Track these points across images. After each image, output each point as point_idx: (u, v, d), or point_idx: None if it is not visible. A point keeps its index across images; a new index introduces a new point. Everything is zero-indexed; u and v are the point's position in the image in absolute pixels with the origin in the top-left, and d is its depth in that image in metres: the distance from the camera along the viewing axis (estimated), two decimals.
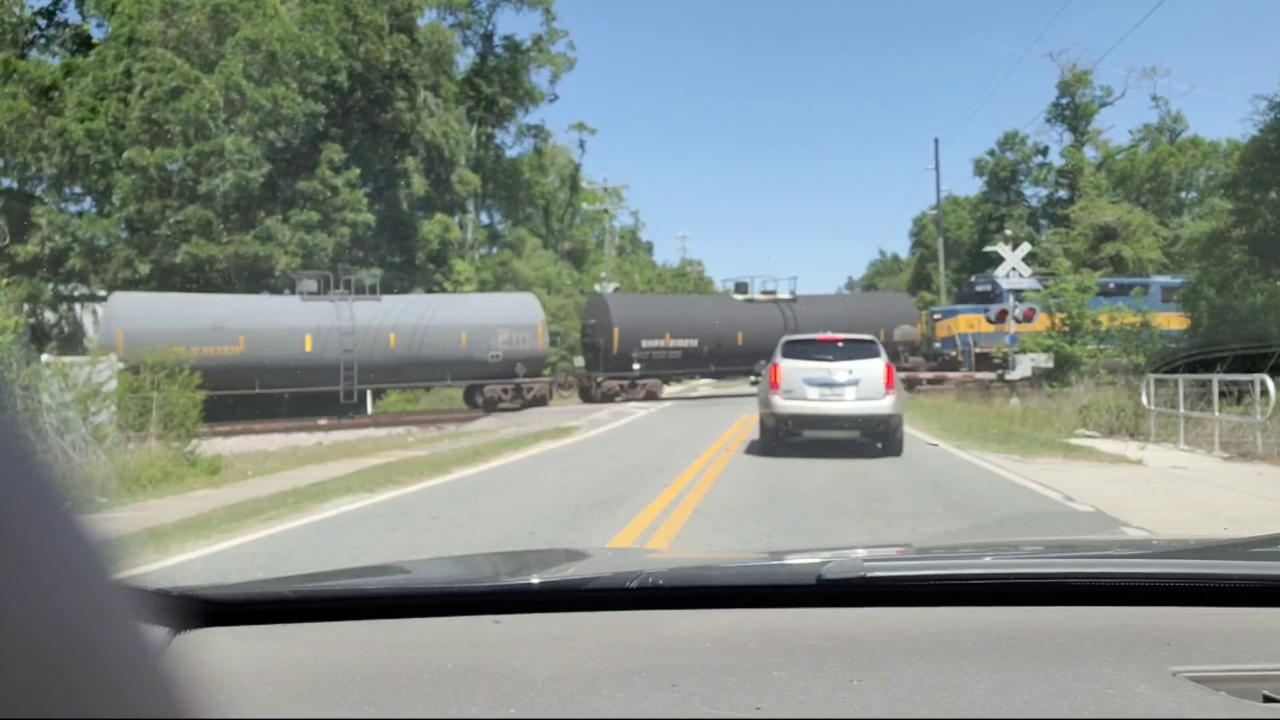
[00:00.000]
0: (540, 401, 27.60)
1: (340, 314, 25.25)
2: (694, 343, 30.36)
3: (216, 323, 23.87)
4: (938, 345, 32.07)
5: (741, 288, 32.67)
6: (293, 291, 25.70)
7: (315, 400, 25.93)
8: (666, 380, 31.16)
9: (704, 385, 38.86)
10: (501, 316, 27.43)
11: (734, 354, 30.79)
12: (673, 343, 29.77)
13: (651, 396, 29.32)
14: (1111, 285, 29.23)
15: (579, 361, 34.33)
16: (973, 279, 34.80)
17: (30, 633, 0.33)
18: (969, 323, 30.19)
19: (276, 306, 25.16)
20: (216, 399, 21.54)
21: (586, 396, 29.58)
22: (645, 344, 29.45)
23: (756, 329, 30.13)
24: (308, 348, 24.75)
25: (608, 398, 28.66)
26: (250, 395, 24.64)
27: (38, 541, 0.35)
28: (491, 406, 26.67)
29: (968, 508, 8.61)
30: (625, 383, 29.40)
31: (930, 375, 30.47)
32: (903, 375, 29.11)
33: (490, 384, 27.07)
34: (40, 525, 0.35)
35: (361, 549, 6.94)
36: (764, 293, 32.48)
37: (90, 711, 0.33)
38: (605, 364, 29.35)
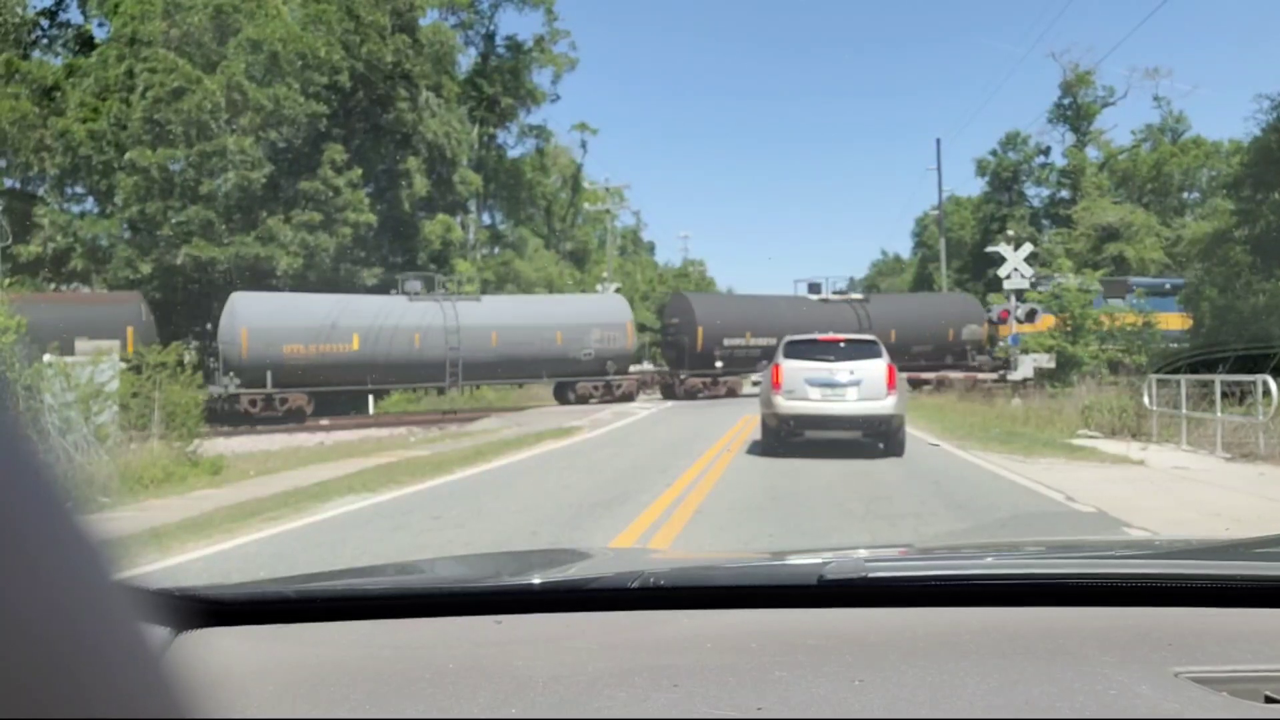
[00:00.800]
0: (628, 397, 28.78)
1: (446, 313, 26.63)
2: (773, 341, 31.17)
3: (332, 321, 25.22)
4: (1001, 344, 32.69)
5: (815, 288, 33.91)
6: (400, 291, 27.10)
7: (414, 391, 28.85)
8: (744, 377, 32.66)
9: None
10: (594, 316, 28.86)
11: None
12: (753, 341, 30.57)
13: (732, 393, 30.57)
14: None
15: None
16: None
17: (33, 632, 0.33)
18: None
19: (387, 306, 26.46)
20: (331, 394, 25.25)
21: (670, 394, 30.59)
22: (727, 342, 30.38)
23: (833, 328, 31.00)
24: (417, 345, 26.00)
25: (690, 394, 29.72)
26: (362, 390, 26.57)
27: (40, 541, 0.35)
28: (583, 402, 27.86)
29: (969, 508, 8.61)
30: (708, 380, 30.36)
31: (933, 376, 30.62)
32: (961, 376, 29.94)
33: (582, 381, 28.29)
34: (43, 525, 0.35)
35: (363, 549, 6.94)
36: (835, 293, 33.83)
37: (93, 711, 0.33)
38: (689, 362, 30.41)
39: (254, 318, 24.22)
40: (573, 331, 27.90)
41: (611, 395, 28.29)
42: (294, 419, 23.99)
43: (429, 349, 26.06)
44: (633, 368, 31.19)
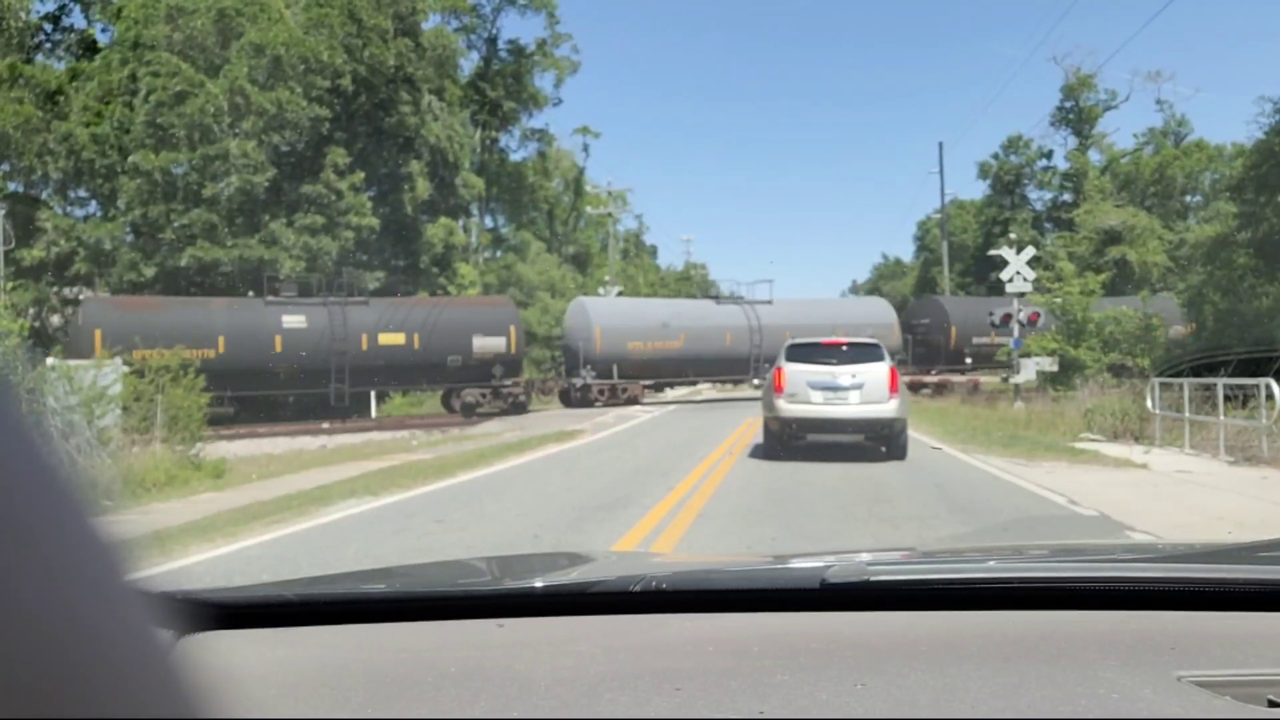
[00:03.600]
0: None
1: (748, 315, 31.60)
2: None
3: (663, 321, 30.06)
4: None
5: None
6: (707, 296, 32.01)
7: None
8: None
9: None
10: (867, 318, 32.32)
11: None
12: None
13: None
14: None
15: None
16: None
17: (44, 632, 0.33)
18: None
19: (704, 310, 32.03)
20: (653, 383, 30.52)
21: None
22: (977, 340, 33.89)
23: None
24: (727, 342, 30.66)
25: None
26: (680, 381, 31.40)
27: (51, 542, 0.35)
28: None
29: (972, 511, 8.60)
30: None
31: (935, 379, 30.74)
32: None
33: None
34: (53, 526, 0.35)
35: (366, 552, 6.94)
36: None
37: (100, 712, 0.33)
38: (943, 357, 33.13)
39: (604, 318, 29.46)
40: (851, 331, 30.74)
41: None
42: (630, 403, 28.91)
43: (736, 346, 30.65)
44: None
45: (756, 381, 28.93)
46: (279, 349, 24.63)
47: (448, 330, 26.31)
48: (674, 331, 29.77)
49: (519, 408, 27.36)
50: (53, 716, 0.32)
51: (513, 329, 27.47)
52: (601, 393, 28.88)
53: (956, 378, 32.06)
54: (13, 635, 0.32)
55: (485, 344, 26.74)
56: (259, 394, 25.13)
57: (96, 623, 0.35)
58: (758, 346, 30.44)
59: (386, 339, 25.76)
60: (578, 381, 28.96)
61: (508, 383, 27.42)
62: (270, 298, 25.43)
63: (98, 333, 22.33)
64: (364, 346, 25.48)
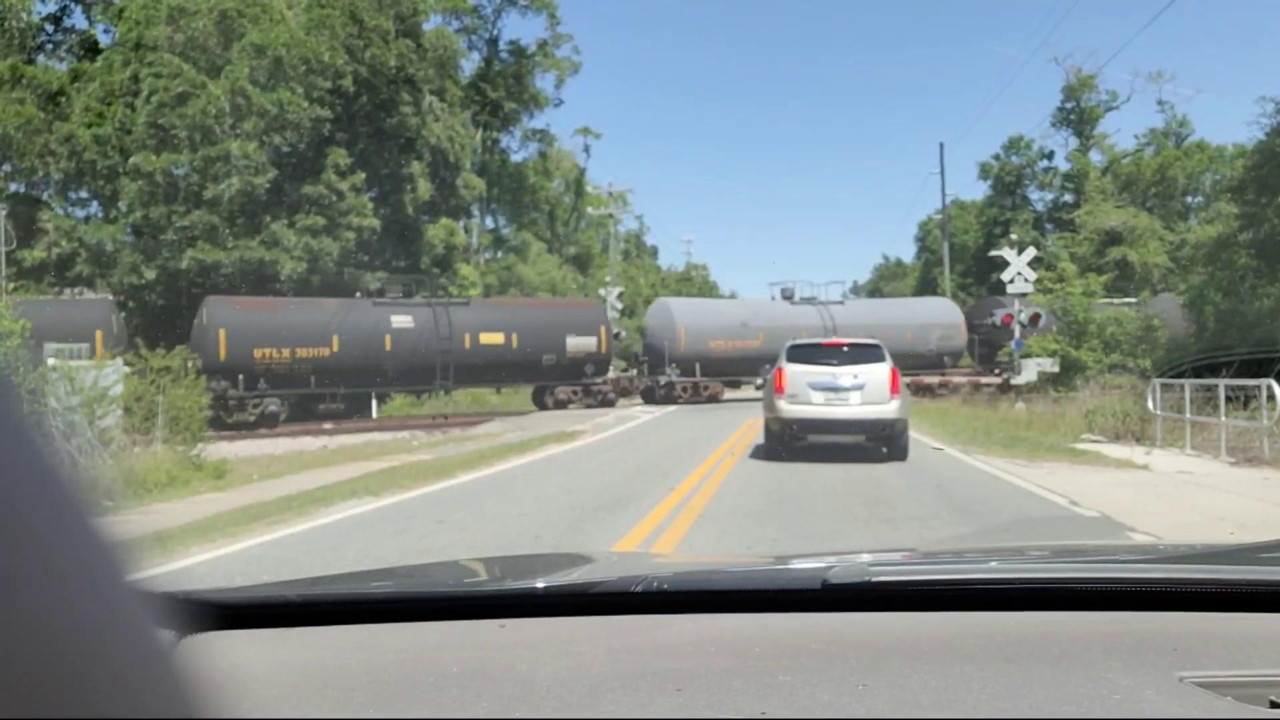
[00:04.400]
0: (955, 390, 31.46)
1: (821, 315, 32.17)
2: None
3: (742, 321, 30.83)
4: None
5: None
6: (785, 298, 33.08)
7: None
8: None
9: None
10: (935, 318, 33.98)
11: None
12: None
13: None
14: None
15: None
16: None
17: (43, 633, 0.33)
18: None
19: (780, 310, 32.48)
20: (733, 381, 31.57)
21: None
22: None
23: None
24: None
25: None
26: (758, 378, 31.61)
27: (52, 542, 0.35)
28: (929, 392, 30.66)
29: (973, 512, 8.60)
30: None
31: (937, 380, 30.78)
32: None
33: (926, 373, 31.78)
34: (55, 526, 0.35)
35: (366, 553, 6.94)
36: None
37: (101, 712, 0.33)
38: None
39: (687, 318, 30.36)
40: (920, 331, 32.60)
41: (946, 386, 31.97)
42: (711, 400, 29.96)
43: None
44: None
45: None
46: (389, 347, 25.81)
47: (543, 330, 27.93)
48: (753, 331, 30.65)
49: (608, 404, 28.76)
50: (54, 717, 0.32)
51: (603, 329, 29.19)
52: (685, 390, 29.80)
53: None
54: (14, 636, 0.32)
55: (577, 343, 28.42)
56: (369, 391, 26.64)
57: (98, 623, 0.35)
58: None
59: (487, 338, 27.24)
60: (662, 379, 29.84)
61: (598, 380, 28.99)
62: (377, 299, 26.79)
63: (222, 332, 23.60)
64: (467, 345, 26.80)
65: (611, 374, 31.13)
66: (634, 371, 34.04)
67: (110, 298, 27.15)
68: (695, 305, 33.04)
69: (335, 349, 24.83)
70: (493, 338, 27.22)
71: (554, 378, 28.29)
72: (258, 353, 23.87)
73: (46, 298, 25.94)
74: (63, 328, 22.13)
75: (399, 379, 26.43)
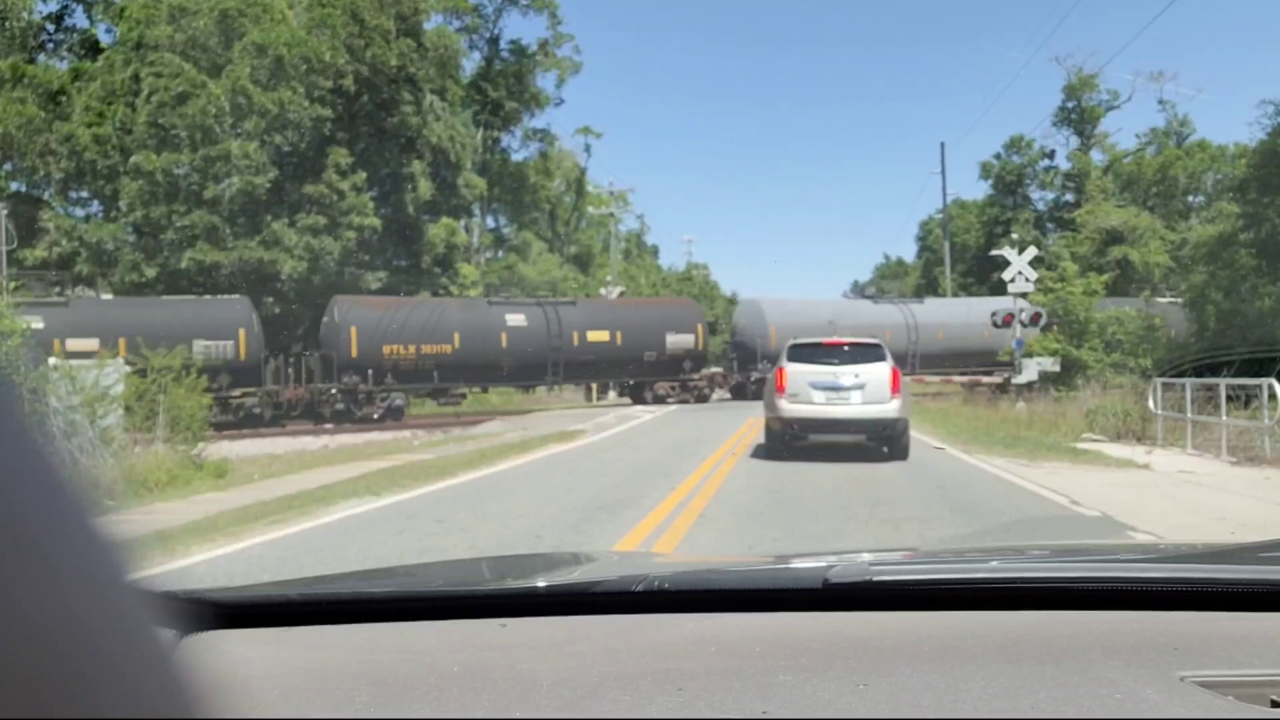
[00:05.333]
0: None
1: (904, 314, 33.17)
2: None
3: (829, 320, 30.72)
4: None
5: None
6: (866, 297, 33.75)
7: None
8: None
9: None
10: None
11: None
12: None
13: None
14: None
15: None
16: None
17: (44, 632, 0.33)
18: None
19: (864, 309, 33.37)
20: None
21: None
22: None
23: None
24: (888, 339, 32.42)
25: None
26: None
27: (53, 542, 0.35)
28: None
29: (974, 512, 8.60)
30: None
31: (938, 379, 30.87)
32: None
33: (996, 371, 32.49)
34: (55, 526, 0.35)
35: (368, 552, 6.94)
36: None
37: (102, 712, 0.33)
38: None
39: (777, 317, 31.14)
40: (995, 329, 32.95)
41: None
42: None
43: (895, 342, 31.55)
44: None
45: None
46: (504, 344, 27.33)
47: (644, 328, 29.47)
48: (840, 329, 31.33)
49: (703, 399, 30.18)
50: (54, 717, 0.32)
51: (700, 327, 30.68)
52: None
53: None
54: (14, 635, 0.32)
55: (677, 340, 29.93)
56: (485, 386, 28.44)
57: (99, 623, 0.35)
58: (914, 343, 32.88)
59: (594, 336, 28.82)
60: (754, 375, 30.50)
61: (695, 376, 30.31)
62: (492, 299, 28.82)
63: (353, 329, 25.00)
64: (575, 343, 28.39)
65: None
66: (718, 369, 34.77)
67: (247, 298, 27.37)
68: (784, 305, 33.80)
69: (457, 345, 26.28)
70: (598, 335, 28.78)
71: (654, 374, 29.85)
72: (386, 349, 25.31)
73: (190, 298, 26.66)
74: (208, 326, 23.33)
75: (513, 374, 27.95)
